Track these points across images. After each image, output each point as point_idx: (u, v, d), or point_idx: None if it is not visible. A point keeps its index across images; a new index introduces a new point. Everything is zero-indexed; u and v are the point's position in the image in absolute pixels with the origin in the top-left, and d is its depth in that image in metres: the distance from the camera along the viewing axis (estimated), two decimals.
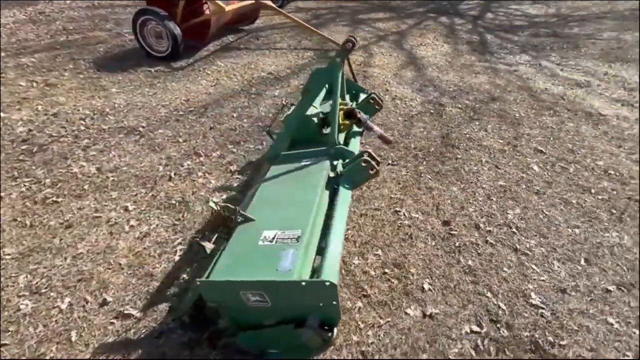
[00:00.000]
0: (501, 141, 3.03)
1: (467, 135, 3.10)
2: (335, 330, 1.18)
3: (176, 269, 1.81)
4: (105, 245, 1.95)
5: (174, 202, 2.27)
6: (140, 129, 3.08)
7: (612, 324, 1.57)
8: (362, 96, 2.52)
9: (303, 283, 1.10)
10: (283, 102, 2.56)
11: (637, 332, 1.37)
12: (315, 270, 1.25)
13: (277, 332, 1.24)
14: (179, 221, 2.12)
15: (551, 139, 3.09)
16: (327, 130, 1.96)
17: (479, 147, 2.93)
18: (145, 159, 2.70)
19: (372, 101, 2.29)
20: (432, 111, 3.56)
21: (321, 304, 1.15)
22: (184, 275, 1.78)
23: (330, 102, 2.09)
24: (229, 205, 1.46)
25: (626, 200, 2.34)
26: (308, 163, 1.76)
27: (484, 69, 4.96)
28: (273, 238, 1.32)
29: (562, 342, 1.49)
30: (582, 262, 1.88)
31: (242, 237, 1.38)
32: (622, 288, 1.74)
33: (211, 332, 1.44)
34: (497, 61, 5.35)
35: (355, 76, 2.63)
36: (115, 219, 2.14)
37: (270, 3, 5.32)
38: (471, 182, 2.48)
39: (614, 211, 2.24)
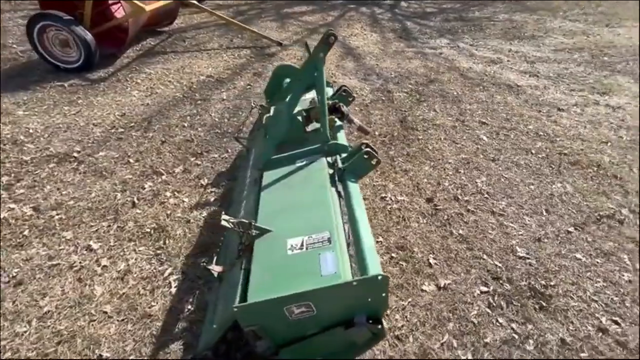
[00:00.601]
0: (450, 118, 3.35)
1: (421, 117, 3.35)
2: (384, 321, 1.20)
3: (177, 302, 1.64)
4: (77, 296, 1.67)
5: (148, 230, 2.03)
6: (75, 154, 2.66)
7: (580, 259, 1.89)
8: (329, 90, 2.53)
9: (354, 283, 1.10)
10: (252, 104, 2.45)
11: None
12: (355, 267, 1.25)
13: (324, 338, 1.22)
14: (162, 249, 1.91)
15: (488, 111, 3.51)
16: (310, 128, 1.94)
17: (434, 126, 3.19)
18: (93, 187, 2.35)
19: (344, 93, 2.32)
20: (383, 98, 3.75)
21: (370, 299, 1.16)
22: (189, 307, 1.62)
23: (309, 97, 2.08)
24: (242, 220, 1.36)
25: (558, 155, 2.79)
26: (304, 163, 1.73)
27: (414, 54, 5.37)
28: (302, 245, 1.28)
29: (551, 283, 1.74)
30: (544, 212, 2.20)
31: (266, 251, 1.31)
32: (578, 228, 2.10)
33: (245, 357, 1.36)
34: (422, 46, 5.83)
35: None
36: (80, 262, 1.83)
37: (195, 1, 4.98)
38: (438, 159, 2.71)
39: (553, 166, 2.67)
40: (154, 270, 1.79)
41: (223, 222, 1.33)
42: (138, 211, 2.17)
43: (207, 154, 2.74)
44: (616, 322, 1.56)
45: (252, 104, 2.42)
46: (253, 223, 1.35)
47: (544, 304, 1.63)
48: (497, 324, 1.56)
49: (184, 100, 3.59)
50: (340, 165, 1.64)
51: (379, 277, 1.09)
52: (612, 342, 1.48)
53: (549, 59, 5.25)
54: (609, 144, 2.94)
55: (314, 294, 1.10)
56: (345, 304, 1.18)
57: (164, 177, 2.48)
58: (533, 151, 2.84)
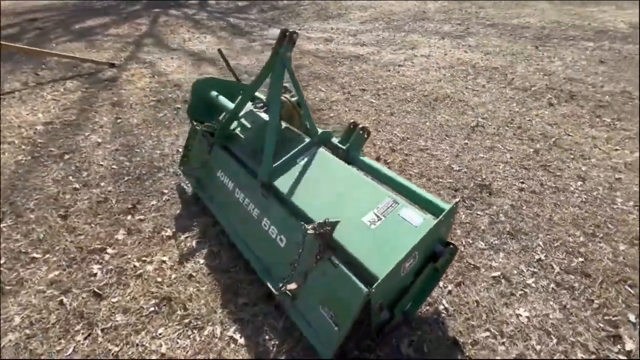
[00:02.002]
0: (339, 94, 3.87)
1: (318, 99, 3.74)
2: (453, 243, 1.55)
3: (262, 350, 1.51)
4: None
5: (152, 310, 1.66)
6: None
7: (483, 156, 2.76)
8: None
9: (442, 219, 1.38)
10: (194, 124, 2.18)
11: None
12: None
13: (420, 279, 1.47)
14: (188, 317, 1.63)
15: (358, 79, 4.24)
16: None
17: (334, 103, 3.65)
18: (14, 309, 1.66)
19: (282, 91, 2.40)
20: None
21: (444, 229, 1.48)
22: (274, 342, 1.52)
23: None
24: (325, 224, 1.38)
25: (423, 97, 3.75)
26: (308, 159, 1.80)
27: (262, 46, 5.63)
28: (377, 217, 1.45)
29: (483, 177, 2.52)
30: (445, 136, 3.03)
31: (352, 237, 1.40)
32: (468, 138, 3.01)
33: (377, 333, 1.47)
34: (262, 38, 6.14)
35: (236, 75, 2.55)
36: None
37: None
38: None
39: (426, 105, 3.58)
40: (202, 341, 1.54)
41: (310, 231, 1.34)
42: (116, 299, 1.71)
43: (141, 205, 2.30)
44: (523, 181, 2.45)
45: (194, 124, 2.17)
46: (327, 220, 1.41)
47: (488, 190, 2.38)
48: (476, 213, 2.19)
49: (38, 161, 2.74)
50: (342, 146, 1.83)
51: (454, 206, 1.43)
52: (530, 194, 2.34)
53: (363, 30, 6.53)
54: (441, 81, 4.14)
55: (419, 244, 1.33)
56: (432, 242, 1.46)
57: (109, 250, 1.98)
58: (408, 99, 3.71)
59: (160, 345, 1.52)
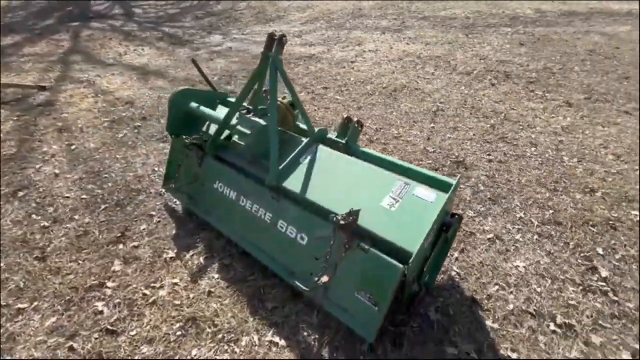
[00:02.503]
0: (306, 95, 3.96)
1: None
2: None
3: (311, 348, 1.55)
4: None
5: (178, 334, 1.60)
6: None
7: (452, 136, 3.06)
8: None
9: (450, 193, 1.55)
10: (184, 139, 2.09)
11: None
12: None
13: (437, 249, 1.64)
14: (220, 331, 1.60)
15: (318, 78, 4.36)
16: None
17: (304, 102, 3.71)
18: None
19: (264, 94, 2.41)
20: None
21: (451, 202, 1.66)
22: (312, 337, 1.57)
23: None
24: (351, 213, 1.46)
25: (383, 89, 4.00)
26: (310, 157, 1.86)
27: (209, 54, 5.49)
28: (394, 199, 1.57)
29: (456, 154, 2.79)
30: (413, 122, 3.28)
31: (376, 220, 1.49)
32: (433, 121, 3.30)
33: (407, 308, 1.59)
34: (206, 46, 5.98)
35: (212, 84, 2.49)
36: None
37: None
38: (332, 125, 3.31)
39: (388, 96, 3.83)
40: (242, 352, 1.53)
41: (337, 217, 1.42)
42: (134, 332, 1.61)
43: (130, 232, 2.16)
44: (489, 153, 2.77)
45: (185, 139, 2.09)
46: (352, 209, 1.50)
47: (464, 165, 2.66)
48: (459, 187, 2.44)
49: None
50: (341, 141, 1.93)
51: (458, 181, 1.61)
52: (497, 163, 2.67)
53: (307, 30, 6.68)
54: (394, 72, 4.45)
55: (438, 217, 1.49)
56: (444, 214, 1.63)
57: (109, 284, 1.84)
58: (370, 92, 3.93)
59: None
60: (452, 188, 1.56)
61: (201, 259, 1.97)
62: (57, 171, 2.73)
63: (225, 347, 1.55)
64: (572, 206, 2.23)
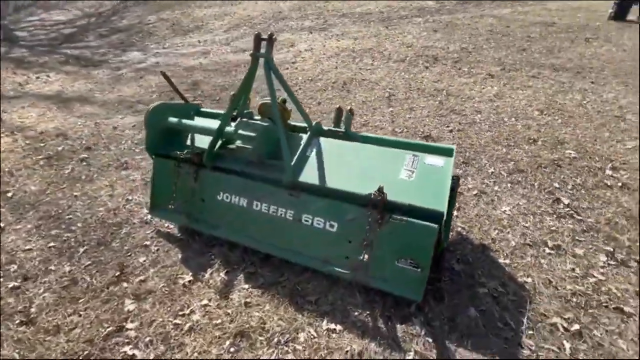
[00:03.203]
0: (258, 98, 3.95)
1: None
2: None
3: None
4: None
5: (231, 350, 1.54)
6: None
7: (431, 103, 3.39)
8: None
9: (453, 156, 1.78)
10: (178, 155, 1.96)
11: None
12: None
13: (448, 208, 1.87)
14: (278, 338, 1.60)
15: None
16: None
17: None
18: None
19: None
20: None
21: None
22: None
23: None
24: (380, 191, 1.58)
25: (343, 82, 4.21)
26: (316, 150, 1.93)
27: (136, 72, 5.09)
28: (410, 171, 1.74)
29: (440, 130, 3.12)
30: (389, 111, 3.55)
31: (400, 192, 1.65)
32: (410, 95, 3.61)
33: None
34: (127, 64, 5.54)
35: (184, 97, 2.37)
36: None
37: None
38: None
39: (346, 87, 4.05)
40: (304, 347, 1.55)
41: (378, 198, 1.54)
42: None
43: (129, 267, 1.97)
44: (447, 125, 3.16)
45: (179, 155, 1.95)
46: (380, 186, 1.63)
47: (431, 138, 2.98)
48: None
49: None
50: (339, 129, 2.05)
51: (455, 148, 1.85)
52: (457, 132, 3.05)
53: (233, 37, 6.62)
54: (337, 67, 4.70)
55: (454, 176, 1.71)
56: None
57: (129, 325, 1.67)
58: (323, 89, 4.10)
59: None
60: (454, 152, 1.80)
61: (222, 275, 1.90)
62: (1, 224, 2.32)
63: (285, 348, 1.55)
64: (525, 155, 2.69)
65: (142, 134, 3.39)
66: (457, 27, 5.99)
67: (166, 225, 2.24)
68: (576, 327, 1.56)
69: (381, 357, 1.49)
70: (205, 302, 1.76)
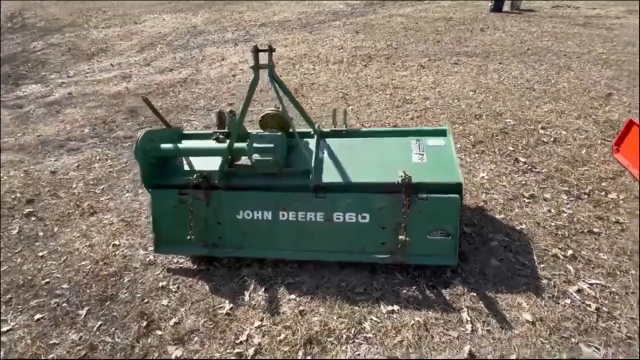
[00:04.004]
0: (213, 116, 3.83)
1: (208, 124, 3.58)
2: None
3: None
4: None
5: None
6: None
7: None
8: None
9: (448, 130, 2.07)
10: (192, 179, 1.82)
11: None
12: None
13: None
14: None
15: (214, 98, 4.26)
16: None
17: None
18: None
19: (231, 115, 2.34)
20: None
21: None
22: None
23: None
24: (406, 176, 1.76)
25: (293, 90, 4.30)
26: (327, 151, 2.03)
27: (46, 107, 4.44)
28: (420, 154, 1.95)
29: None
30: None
31: (420, 174, 1.85)
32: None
33: None
34: (32, 100, 4.83)
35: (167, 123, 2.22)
36: None
37: None
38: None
39: (299, 98, 4.16)
40: (375, 332, 1.64)
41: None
42: None
43: (155, 314, 1.80)
44: (406, 113, 3.53)
45: (194, 180, 1.82)
46: (404, 171, 1.81)
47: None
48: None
49: None
50: (341, 129, 2.19)
51: (448, 128, 2.14)
52: (416, 118, 3.44)
53: (150, 57, 6.20)
54: (281, 75, 4.78)
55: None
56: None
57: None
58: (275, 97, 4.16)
59: None
60: (448, 131, 2.09)
61: (262, 293, 1.88)
62: None
63: (357, 341, 1.63)
64: (477, 129, 3.19)
65: (93, 172, 3.02)
66: (375, 27, 6.61)
67: (175, 260, 2.10)
68: (570, 252, 1.97)
69: (442, 321, 1.67)
70: (258, 323, 1.73)
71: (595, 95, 3.66)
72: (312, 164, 1.94)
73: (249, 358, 1.59)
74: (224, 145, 2.00)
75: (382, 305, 1.77)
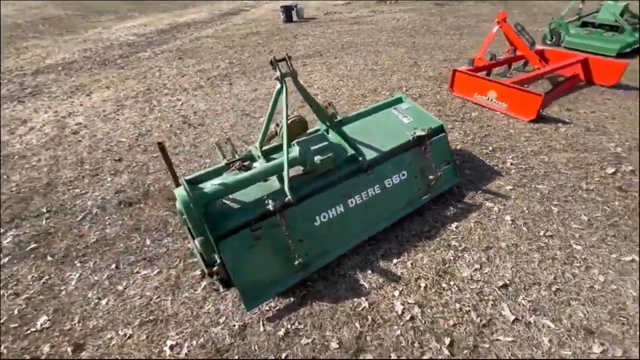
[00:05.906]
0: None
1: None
2: None
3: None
4: None
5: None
6: None
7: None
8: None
9: (405, 96, 2.79)
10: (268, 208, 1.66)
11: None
12: None
13: None
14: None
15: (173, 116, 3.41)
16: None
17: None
18: None
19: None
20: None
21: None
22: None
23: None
24: (415, 134, 2.35)
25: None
26: (345, 137, 2.34)
27: None
28: (404, 117, 2.58)
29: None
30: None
31: (419, 128, 2.50)
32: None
33: None
34: None
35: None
36: None
37: None
38: None
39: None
40: (436, 302, 2.20)
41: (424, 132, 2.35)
42: None
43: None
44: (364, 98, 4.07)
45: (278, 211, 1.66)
46: (415, 128, 2.41)
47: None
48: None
49: None
50: (339, 118, 2.53)
51: (402, 96, 2.87)
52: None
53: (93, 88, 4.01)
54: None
55: None
56: None
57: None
58: (256, 101, 3.78)
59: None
60: (403, 98, 2.84)
61: (373, 274, 2.08)
62: None
63: (462, 252, 2.16)
64: (437, 106, 4.15)
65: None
66: (194, 50, 6.67)
67: (265, 309, 1.92)
68: (490, 148, 3.16)
69: (484, 212, 2.44)
70: (396, 293, 1.96)
71: (409, 65, 5.37)
72: (351, 150, 2.25)
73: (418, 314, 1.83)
74: (277, 162, 1.98)
75: (447, 227, 2.36)
